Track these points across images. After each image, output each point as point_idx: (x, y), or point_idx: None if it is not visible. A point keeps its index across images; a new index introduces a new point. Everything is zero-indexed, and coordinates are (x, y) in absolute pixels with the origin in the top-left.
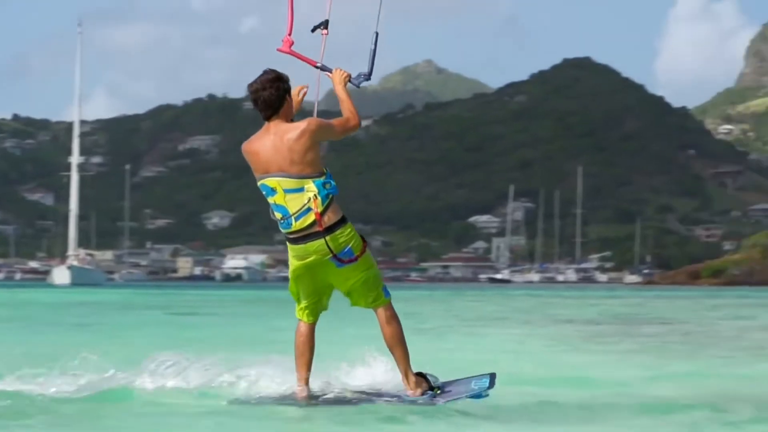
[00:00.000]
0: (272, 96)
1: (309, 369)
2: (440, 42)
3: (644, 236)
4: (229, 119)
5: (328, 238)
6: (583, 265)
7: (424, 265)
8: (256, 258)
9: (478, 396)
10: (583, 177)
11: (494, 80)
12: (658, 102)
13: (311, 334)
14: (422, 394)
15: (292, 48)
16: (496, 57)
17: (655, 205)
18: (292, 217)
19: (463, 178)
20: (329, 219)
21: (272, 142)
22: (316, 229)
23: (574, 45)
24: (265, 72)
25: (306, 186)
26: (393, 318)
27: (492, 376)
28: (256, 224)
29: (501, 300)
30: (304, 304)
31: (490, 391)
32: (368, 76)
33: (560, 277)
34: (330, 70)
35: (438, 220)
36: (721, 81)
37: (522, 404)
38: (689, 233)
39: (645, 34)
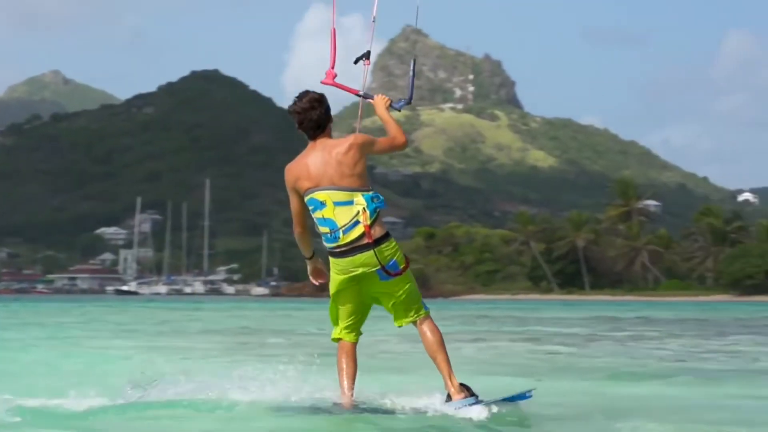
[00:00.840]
0: (321, 115)
1: (353, 381)
2: (67, 52)
3: (272, 249)
4: None
5: (376, 250)
6: (211, 277)
7: (50, 276)
8: None
9: (521, 397)
10: (211, 189)
11: (122, 91)
12: (287, 115)
13: (354, 351)
14: (465, 398)
15: (335, 80)
16: (124, 68)
17: (282, 217)
18: (340, 230)
19: (90, 189)
20: (376, 232)
21: (321, 157)
22: (365, 241)
23: (202, 57)
24: (306, 93)
25: (355, 199)
26: (435, 327)
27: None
28: None
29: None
30: (343, 324)
31: (533, 392)
32: (409, 100)
33: (188, 289)
34: (372, 97)
35: (64, 231)
36: (349, 95)
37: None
38: (316, 245)
39: (273, 47)
